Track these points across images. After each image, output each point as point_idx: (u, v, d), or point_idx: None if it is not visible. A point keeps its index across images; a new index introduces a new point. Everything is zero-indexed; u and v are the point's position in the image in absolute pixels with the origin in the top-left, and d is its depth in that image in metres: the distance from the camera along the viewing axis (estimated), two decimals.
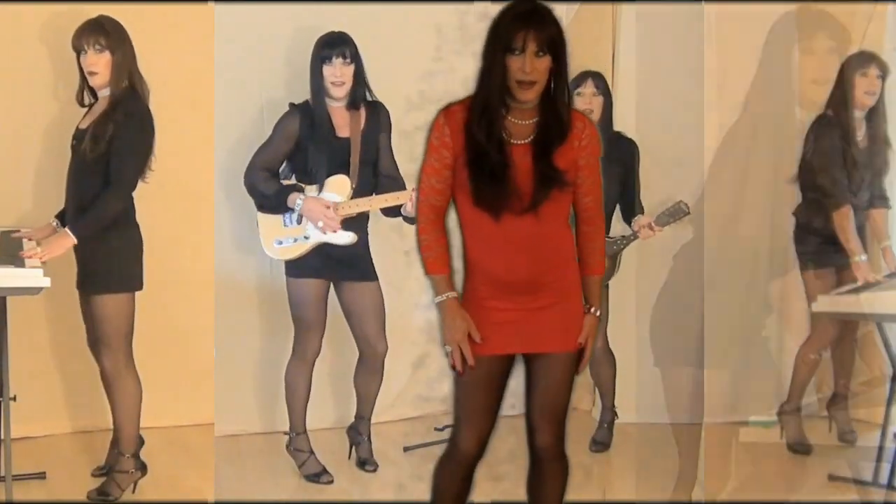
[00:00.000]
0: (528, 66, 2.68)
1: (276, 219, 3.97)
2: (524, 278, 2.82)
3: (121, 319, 3.74)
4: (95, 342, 3.84)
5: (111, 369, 3.77)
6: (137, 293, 3.79)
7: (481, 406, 2.89)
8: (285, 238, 3.97)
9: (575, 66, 4.44)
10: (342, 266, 3.97)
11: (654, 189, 4.40)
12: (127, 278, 3.75)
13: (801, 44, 3.32)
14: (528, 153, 2.78)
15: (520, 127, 2.79)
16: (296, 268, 3.99)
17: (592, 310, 2.91)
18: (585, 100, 4.27)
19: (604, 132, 4.28)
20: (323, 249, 3.95)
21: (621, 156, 4.29)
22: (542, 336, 2.87)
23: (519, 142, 2.78)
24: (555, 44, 2.71)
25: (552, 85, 2.76)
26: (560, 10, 4.52)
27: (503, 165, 2.75)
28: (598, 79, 4.32)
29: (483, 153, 2.75)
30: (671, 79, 4.50)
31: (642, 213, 4.28)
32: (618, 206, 4.33)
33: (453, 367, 2.87)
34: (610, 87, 4.40)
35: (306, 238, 3.95)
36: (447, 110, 2.81)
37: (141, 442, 3.90)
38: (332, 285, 4.04)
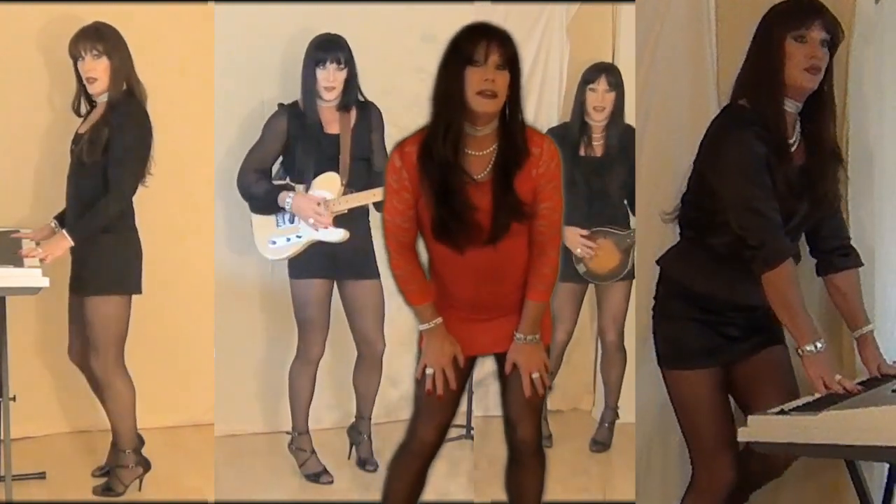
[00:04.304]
0: (491, 75, 2.67)
1: (269, 219, 3.98)
2: (490, 302, 2.90)
3: (112, 322, 3.73)
4: (82, 347, 3.84)
5: (101, 374, 3.76)
6: (137, 294, 3.79)
7: (446, 402, 2.96)
8: (279, 238, 3.97)
9: (575, 66, 4.51)
10: (344, 265, 3.97)
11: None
12: (121, 281, 3.74)
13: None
14: (488, 191, 2.77)
15: (477, 159, 2.78)
16: (298, 269, 3.99)
17: (528, 338, 2.91)
18: (598, 96, 4.21)
19: (616, 127, 4.28)
20: (324, 249, 3.95)
21: (629, 148, 4.25)
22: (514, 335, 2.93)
23: (477, 178, 2.77)
24: (514, 64, 2.71)
25: (507, 111, 2.74)
26: (560, 10, 4.63)
27: (466, 204, 2.74)
28: (612, 74, 4.24)
29: (444, 192, 2.74)
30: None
31: None
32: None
33: (417, 380, 2.94)
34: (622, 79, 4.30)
35: (299, 237, 3.95)
36: (401, 151, 2.79)
37: (141, 441, 3.91)
38: (336, 285, 4.04)
